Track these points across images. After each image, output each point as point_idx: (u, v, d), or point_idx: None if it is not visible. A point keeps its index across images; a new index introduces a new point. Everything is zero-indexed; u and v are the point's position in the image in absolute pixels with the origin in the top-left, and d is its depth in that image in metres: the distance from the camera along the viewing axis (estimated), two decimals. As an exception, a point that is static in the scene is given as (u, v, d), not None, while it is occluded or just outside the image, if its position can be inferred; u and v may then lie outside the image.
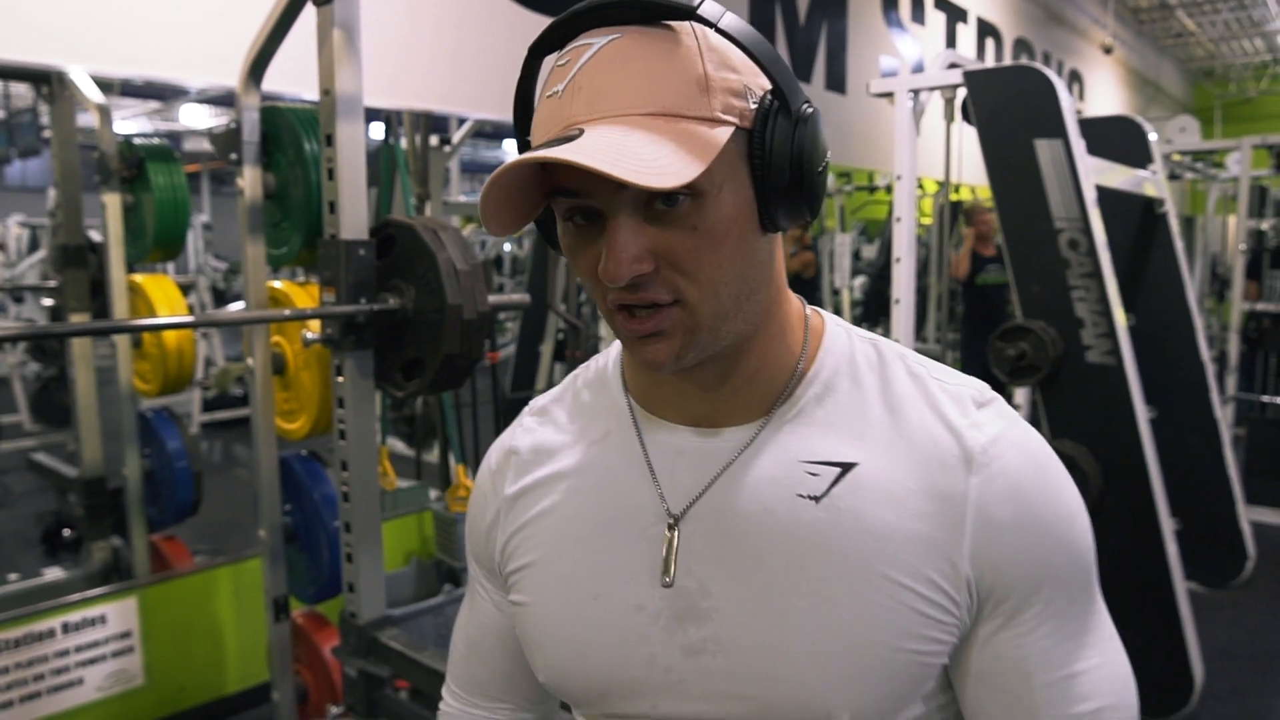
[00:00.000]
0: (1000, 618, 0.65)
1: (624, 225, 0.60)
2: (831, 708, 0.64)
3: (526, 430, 0.80)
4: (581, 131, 0.58)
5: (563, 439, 0.77)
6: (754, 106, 0.62)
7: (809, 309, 0.73)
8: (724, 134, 0.59)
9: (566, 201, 0.62)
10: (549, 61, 0.66)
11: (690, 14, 0.60)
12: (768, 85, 0.63)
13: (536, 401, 0.83)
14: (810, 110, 0.63)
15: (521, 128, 0.68)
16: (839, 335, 0.72)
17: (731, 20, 0.61)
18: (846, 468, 0.66)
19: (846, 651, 0.64)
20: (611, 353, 0.78)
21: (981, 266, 5.77)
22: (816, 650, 0.64)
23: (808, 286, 7.08)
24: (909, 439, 0.66)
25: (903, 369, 0.70)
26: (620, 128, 0.58)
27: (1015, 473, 0.65)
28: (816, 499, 0.66)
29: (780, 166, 0.61)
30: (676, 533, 0.68)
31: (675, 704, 0.69)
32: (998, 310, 5.65)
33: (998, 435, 0.66)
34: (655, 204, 0.60)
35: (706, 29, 0.62)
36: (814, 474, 0.66)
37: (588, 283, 0.65)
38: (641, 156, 0.56)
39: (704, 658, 0.67)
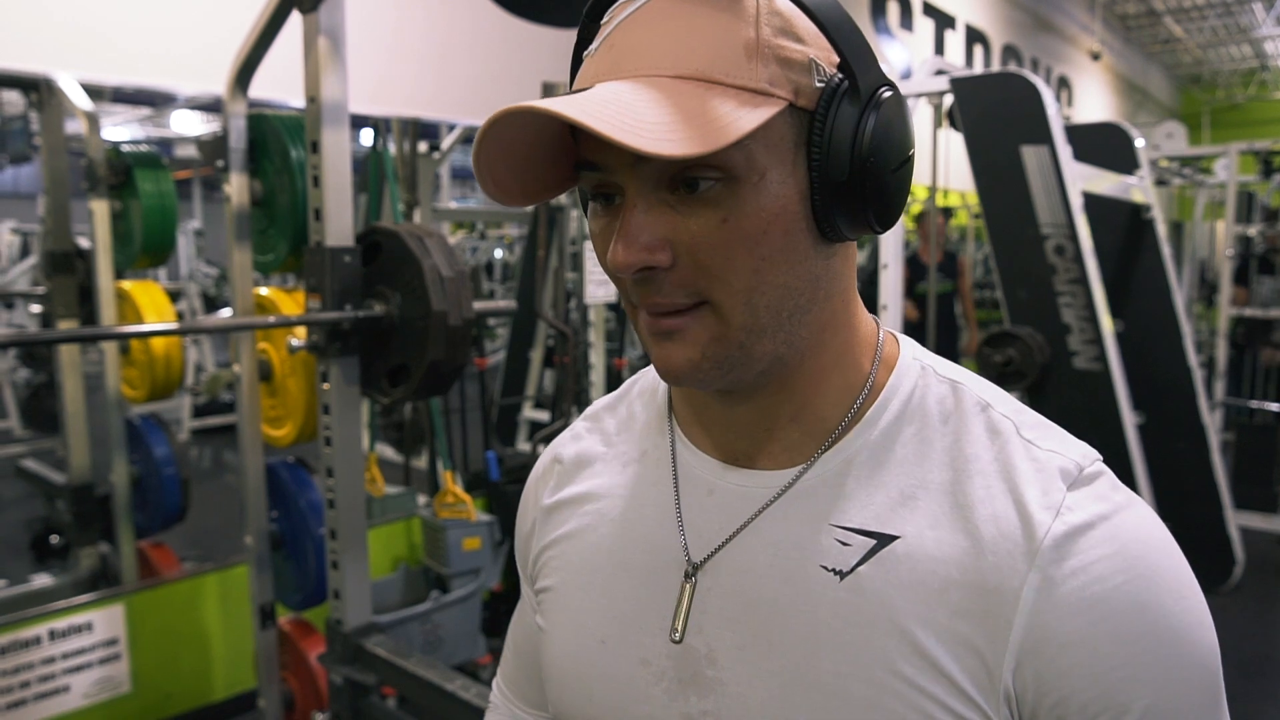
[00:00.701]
0: None
1: (639, 206, 0.52)
2: None
3: (575, 437, 0.74)
4: (592, 87, 0.51)
5: (604, 451, 0.71)
6: (820, 85, 0.52)
7: (884, 331, 0.63)
8: (767, 110, 0.50)
9: (591, 177, 0.55)
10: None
11: None
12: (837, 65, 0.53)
13: (595, 405, 0.76)
14: (889, 94, 0.54)
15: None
16: (911, 370, 0.61)
17: None
18: (884, 541, 0.55)
19: None
20: None
21: (922, 274, 5.09)
22: None
23: None
24: (967, 515, 0.55)
25: (982, 423, 0.58)
26: (636, 86, 0.50)
27: (1098, 578, 0.51)
28: (841, 575, 0.56)
29: (841, 158, 0.52)
30: (693, 584, 0.61)
31: None
32: (941, 324, 4.93)
33: (1085, 525, 0.52)
34: (678, 188, 0.52)
35: None
36: (845, 543, 0.56)
37: (610, 274, 0.56)
38: (644, 118, 0.47)
39: None
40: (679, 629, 0.61)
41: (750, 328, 0.54)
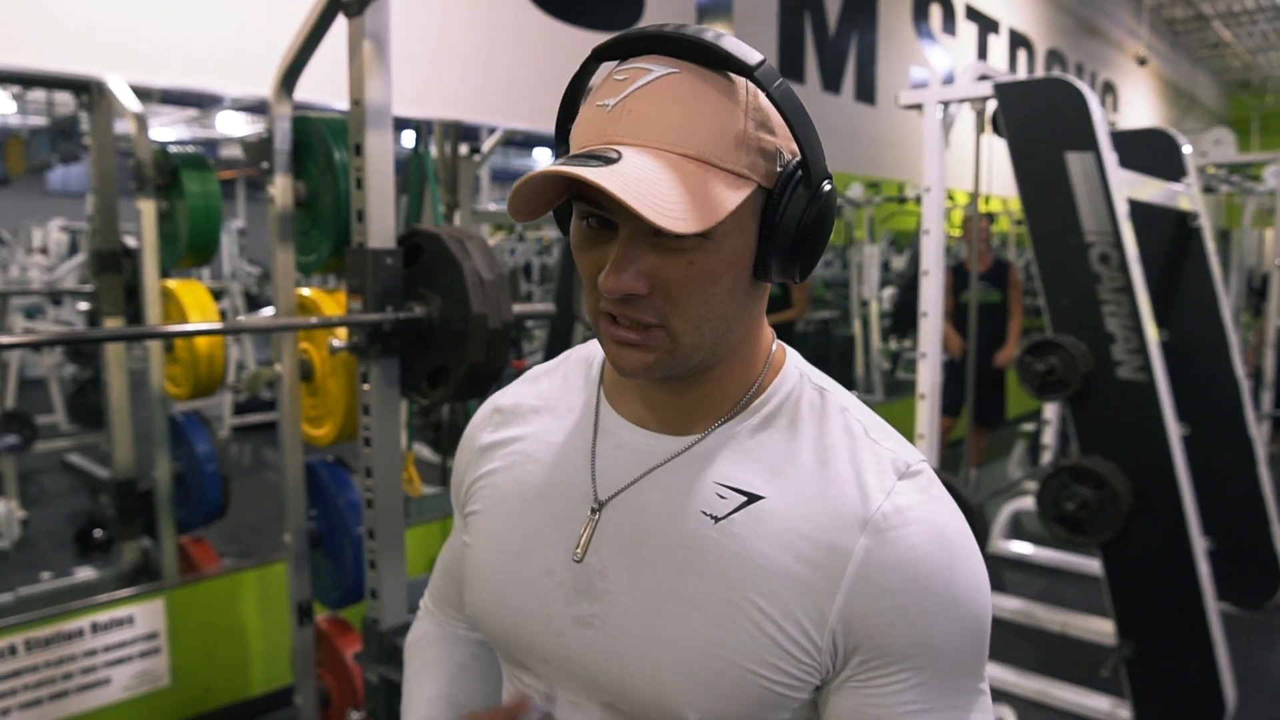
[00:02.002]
0: (862, 673, 0.68)
1: (632, 245, 0.65)
2: (681, 704, 0.70)
3: (513, 393, 0.89)
4: (619, 155, 0.62)
5: (538, 404, 0.85)
6: (779, 169, 0.67)
7: (776, 344, 0.78)
8: (743, 193, 0.64)
9: (587, 207, 0.67)
10: (605, 69, 0.70)
11: (748, 72, 0.65)
12: (797, 152, 0.67)
13: (535, 369, 0.90)
14: (829, 188, 0.68)
15: (563, 120, 0.72)
16: (792, 376, 0.77)
17: (782, 88, 0.66)
18: (752, 499, 0.71)
19: (703, 660, 0.69)
20: None
21: (965, 282, 4.86)
22: (678, 653, 0.70)
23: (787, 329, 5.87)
24: (821, 489, 0.70)
25: (840, 422, 0.74)
26: (656, 162, 0.62)
27: (912, 545, 0.68)
28: (716, 519, 0.71)
29: (788, 230, 0.67)
30: (597, 517, 0.76)
31: (561, 665, 0.77)
32: (983, 339, 4.73)
33: (906, 506, 0.69)
34: (664, 235, 0.64)
35: (757, 89, 0.66)
36: (722, 496, 0.71)
37: (586, 282, 0.70)
38: (665, 197, 0.60)
39: (589, 631, 0.74)
40: (580, 551, 0.76)
41: (695, 345, 0.69)
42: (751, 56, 0.65)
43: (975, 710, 0.70)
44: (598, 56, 0.70)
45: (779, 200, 0.66)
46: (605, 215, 0.66)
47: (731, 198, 0.63)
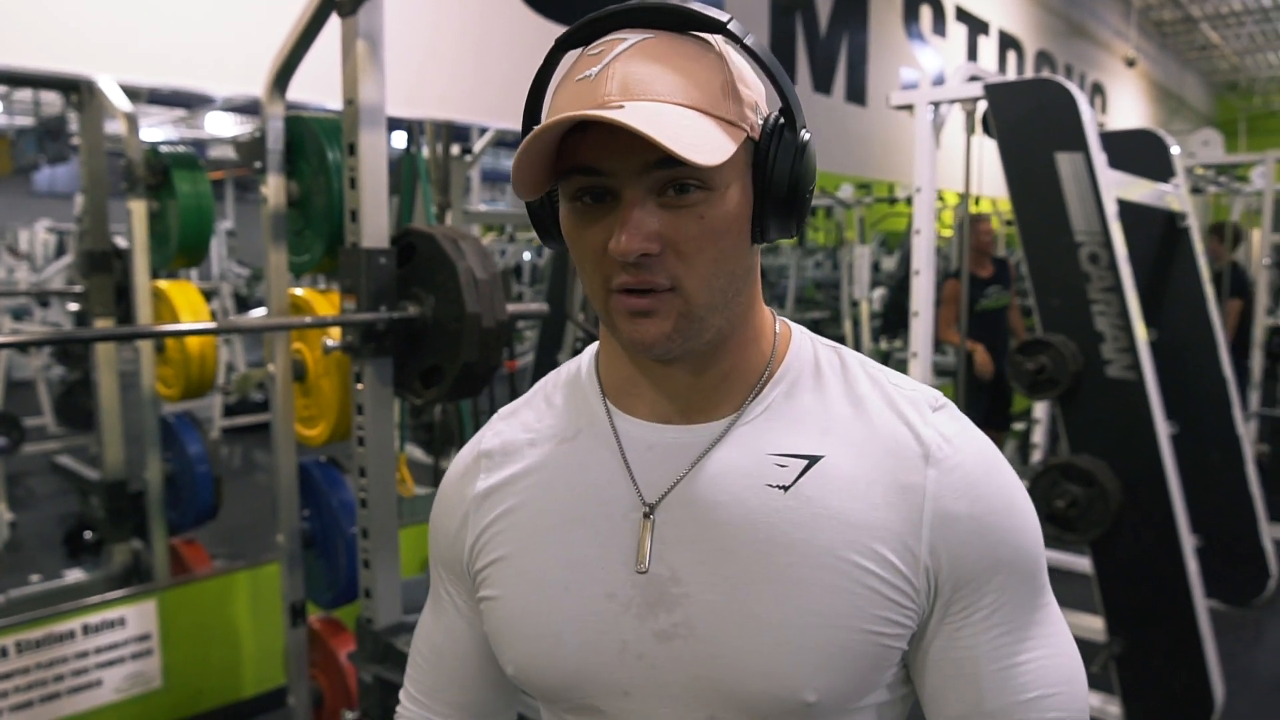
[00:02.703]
0: (954, 606, 0.69)
1: (639, 206, 0.63)
2: (798, 688, 0.67)
3: (495, 433, 0.81)
4: (622, 106, 0.61)
5: (531, 437, 0.79)
6: (761, 122, 0.67)
7: (778, 320, 0.78)
8: (741, 135, 0.64)
9: (579, 180, 0.65)
10: (572, 55, 0.68)
11: (720, 28, 0.65)
12: (773, 107, 0.68)
13: (504, 409, 0.84)
14: (809, 137, 0.68)
15: (530, 113, 0.70)
16: (804, 341, 0.76)
17: (754, 40, 0.66)
18: (813, 460, 0.70)
19: (812, 632, 0.67)
20: (584, 357, 0.81)
21: (981, 291, 4.84)
22: (783, 632, 0.67)
23: None
24: (871, 434, 0.70)
25: (863, 373, 0.74)
26: (661, 107, 0.61)
27: (970, 469, 0.69)
28: (785, 488, 0.69)
29: (781, 181, 0.66)
30: (651, 521, 0.71)
31: (647, 691, 0.71)
32: (996, 338, 4.84)
33: (952, 435, 0.71)
34: (668, 191, 0.63)
35: (728, 46, 0.67)
36: (782, 465, 0.70)
37: (587, 265, 0.67)
38: (681, 135, 0.59)
39: (675, 643, 0.69)
40: (644, 560, 0.71)
41: (708, 304, 0.66)
42: (720, 14, 0.65)
43: (1050, 622, 0.72)
44: (563, 45, 0.68)
45: (767, 150, 0.66)
46: (602, 185, 0.64)
47: (733, 137, 0.63)
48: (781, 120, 0.67)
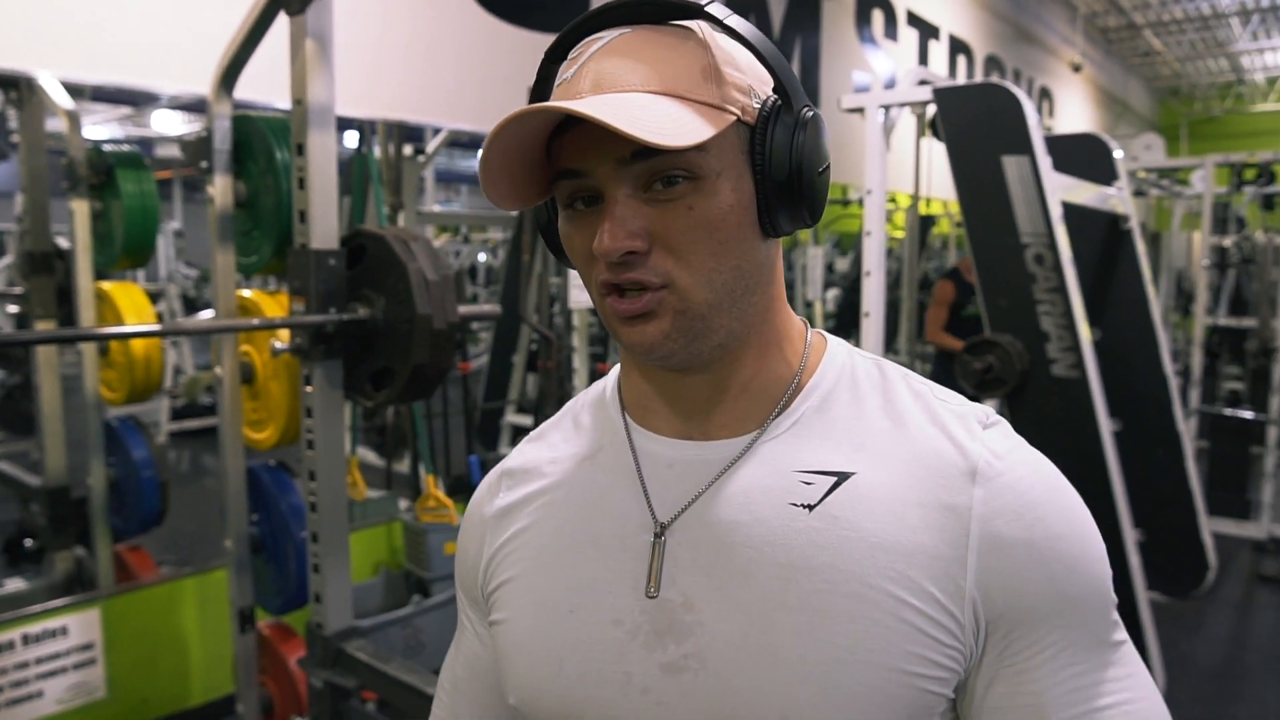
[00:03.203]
0: (1013, 646, 0.61)
1: (622, 201, 0.60)
2: None
3: (520, 453, 0.78)
4: (585, 99, 0.58)
5: (553, 455, 0.75)
6: (757, 105, 0.62)
7: (811, 329, 0.72)
8: (726, 120, 0.60)
9: (569, 185, 0.62)
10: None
11: (699, 12, 0.62)
12: (771, 89, 0.63)
13: (541, 426, 0.80)
14: (811, 114, 0.63)
15: None
16: (839, 352, 0.70)
17: (738, 21, 0.63)
18: (843, 477, 0.63)
19: (837, 669, 0.59)
20: (611, 375, 0.77)
21: (969, 297, 4.84)
22: (804, 668, 0.60)
23: None
24: (911, 451, 0.64)
25: (905, 387, 0.68)
26: (629, 95, 0.59)
27: (1025, 488, 0.62)
28: (810, 507, 0.62)
29: (780, 164, 0.62)
30: (662, 542, 0.65)
31: None
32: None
33: (1004, 451, 0.63)
34: (654, 185, 0.60)
35: (714, 31, 0.63)
36: (808, 482, 0.63)
37: (583, 269, 0.64)
38: (641, 118, 0.56)
39: (685, 676, 0.63)
40: (654, 585, 0.65)
41: (710, 303, 0.61)
42: None
43: (1128, 663, 0.63)
44: (551, 58, 0.67)
45: (764, 132, 0.61)
46: (589, 188, 0.61)
47: (714, 120, 0.59)
48: (777, 100, 0.63)
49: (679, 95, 0.59)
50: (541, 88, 0.67)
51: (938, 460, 0.63)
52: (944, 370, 4.90)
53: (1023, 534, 0.61)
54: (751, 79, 0.63)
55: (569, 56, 0.64)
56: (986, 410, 0.67)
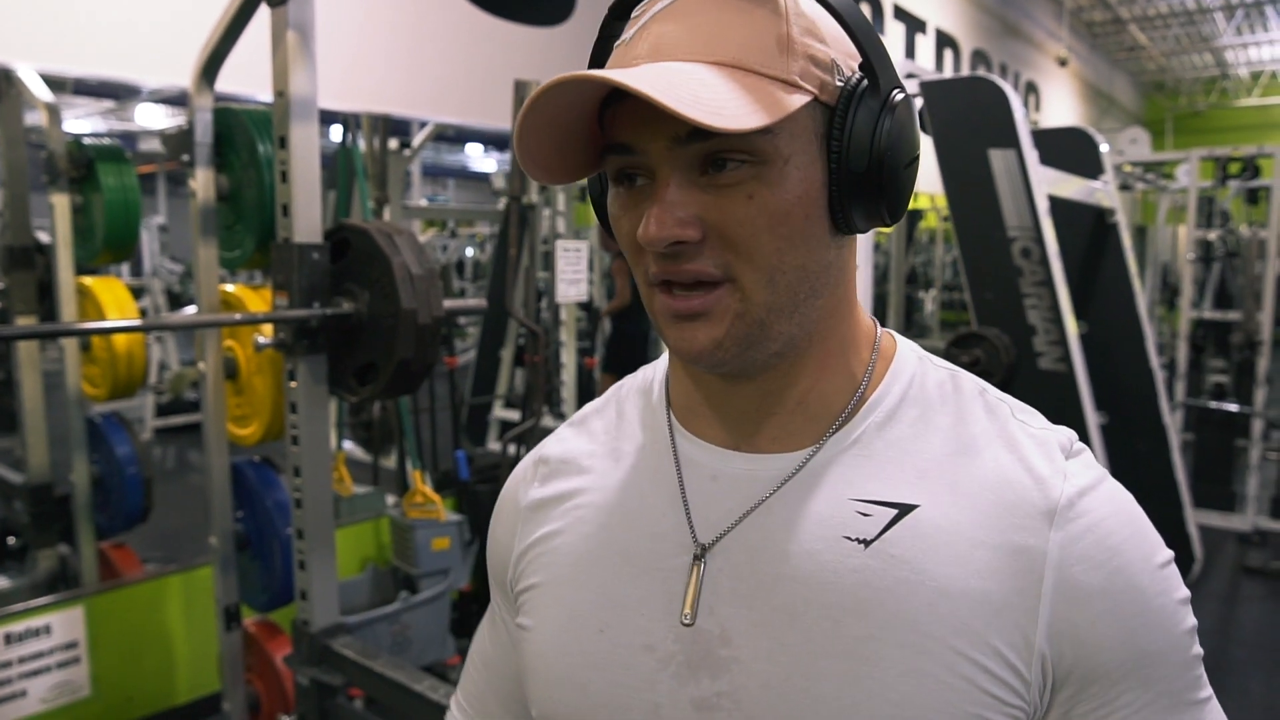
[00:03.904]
0: (1082, 705, 0.55)
1: (673, 183, 0.54)
2: None
3: (560, 439, 0.73)
4: (639, 68, 0.53)
5: (594, 449, 0.69)
6: (839, 84, 0.55)
7: (881, 330, 0.65)
8: (799, 100, 0.53)
9: (618, 160, 0.56)
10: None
11: None
12: (858, 65, 0.57)
13: (580, 412, 0.75)
14: (901, 96, 0.56)
15: None
16: (909, 359, 0.63)
17: None
18: (905, 510, 0.57)
19: None
20: (661, 363, 0.71)
21: None
22: (848, 719, 0.55)
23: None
24: (982, 482, 0.57)
25: (981, 405, 0.61)
26: (687, 66, 0.52)
27: (1107, 531, 0.56)
28: (866, 543, 0.56)
29: (859, 153, 0.55)
30: (702, 565, 0.60)
31: None
32: None
33: (1087, 487, 0.57)
34: (710, 169, 0.54)
35: None
36: (866, 514, 0.57)
37: (632, 258, 0.58)
38: (699, 95, 0.49)
39: (717, 715, 0.58)
40: (689, 612, 0.60)
41: (771, 305, 0.55)
42: None
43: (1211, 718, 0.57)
44: (616, 13, 0.60)
45: (844, 115, 0.54)
46: (639, 164, 0.55)
47: (786, 100, 0.52)
48: (862, 79, 0.55)
49: (747, 68, 0.53)
50: (601, 48, 0.61)
51: (1012, 495, 0.56)
52: None
53: (1102, 584, 0.55)
54: (836, 53, 0.56)
55: (632, 15, 0.58)
56: (1070, 435, 0.60)
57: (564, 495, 0.69)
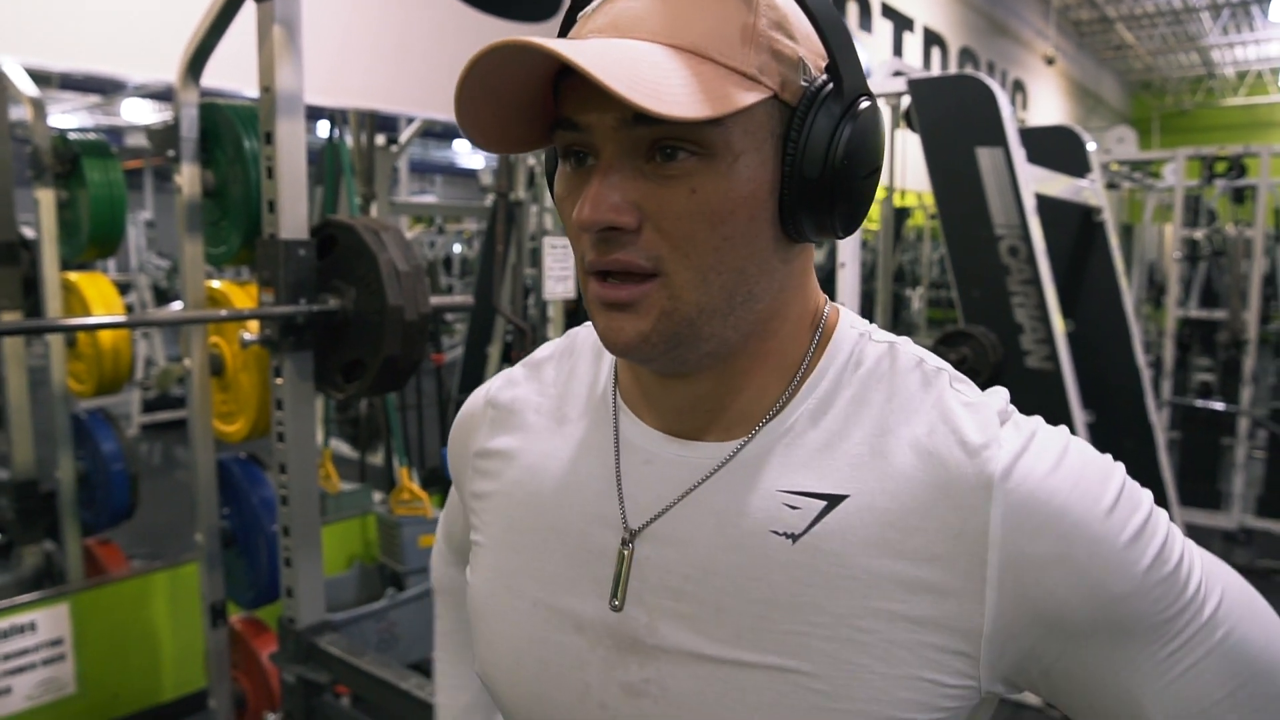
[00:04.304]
0: (1065, 661, 0.53)
1: (616, 166, 0.52)
2: None
3: (511, 382, 0.71)
4: (589, 42, 0.50)
5: (541, 401, 0.69)
6: (804, 84, 0.53)
7: (829, 307, 0.62)
8: (752, 96, 0.51)
9: (565, 136, 0.54)
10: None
11: None
12: (824, 68, 0.55)
13: (539, 352, 0.73)
14: (867, 104, 0.54)
15: None
16: (848, 338, 0.60)
17: None
18: (834, 501, 0.55)
19: (814, 715, 0.54)
20: None
21: None
22: (776, 712, 0.54)
23: None
24: (915, 462, 0.55)
25: (918, 376, 0.58)
26: (639, 45, 0.50)
27: (1050, 494, 0.52)
28: (794, 538, 0.55)
29: (814, 157, 0.52)
30: (630, 551, 0.59)
31: None
32: None
33: (1021, 449, 0.54)
34: (658, 157, 0.52)
35: None
36: (794, 506, 0.55)
37: (572, 239, 0.56)
38: (641, 75, 0.47)
39: (644, 702, 0.58)
40: (619, 598, 0.60)
41: (703, 306, 0.53)
42: None
43: (1210, 618, 0.54)
44: (578, 5, 0.58)
45: (803, 117, 0.52)
46: (585, 142, 0.53)
47: (737, 95, 0.50)
48: (827, 81, 0.53)
49: (704, 55, 0.50)
50: (569, 19, 0.59)
51: (945, 474, 0.53)
52: None
53: (1054, 551, 0.52)
54: (806, 51, 0.54)
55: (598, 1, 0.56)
56: (1003, 396, 0.58)
57: (506, 454, 0.68)
